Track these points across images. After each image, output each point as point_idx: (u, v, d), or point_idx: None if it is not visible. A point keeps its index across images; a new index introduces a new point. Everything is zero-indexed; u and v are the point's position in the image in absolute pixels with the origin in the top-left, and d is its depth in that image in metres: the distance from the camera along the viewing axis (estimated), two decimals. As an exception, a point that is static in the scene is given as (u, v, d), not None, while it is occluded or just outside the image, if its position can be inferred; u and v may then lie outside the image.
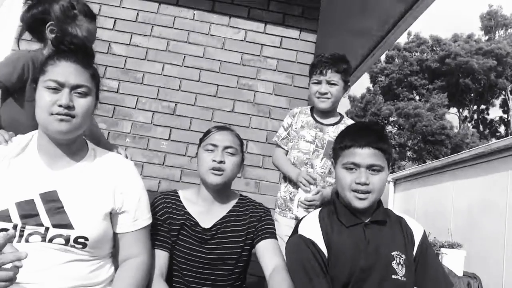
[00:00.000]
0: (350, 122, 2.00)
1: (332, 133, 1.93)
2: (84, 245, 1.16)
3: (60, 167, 1.21)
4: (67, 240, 1.13)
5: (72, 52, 1.21)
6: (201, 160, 1.52)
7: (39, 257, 1.11)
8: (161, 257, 1.40)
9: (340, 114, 2.03)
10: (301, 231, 1.38)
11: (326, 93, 1.90)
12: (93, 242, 1.18)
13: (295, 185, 1.90)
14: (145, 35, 2.91)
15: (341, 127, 1.95)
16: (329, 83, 1.90)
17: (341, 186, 1.38)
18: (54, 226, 1.13)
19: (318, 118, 1.98)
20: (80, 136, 1.26)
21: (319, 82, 1.92)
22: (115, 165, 1.30)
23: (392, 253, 1.32)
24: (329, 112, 1.98)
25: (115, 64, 2.84)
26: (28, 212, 1.12)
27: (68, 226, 1.14)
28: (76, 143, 1.25)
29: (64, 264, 1.13)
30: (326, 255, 1.33)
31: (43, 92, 1.15)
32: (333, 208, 1.43)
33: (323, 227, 1.37)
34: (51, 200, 1.15)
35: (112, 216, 1.25)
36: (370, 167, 1.34)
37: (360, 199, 1.33)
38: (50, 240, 1.12)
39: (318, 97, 1.93)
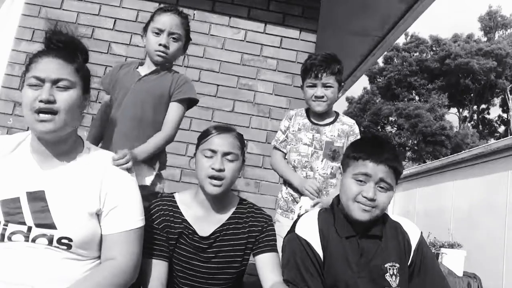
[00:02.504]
0: (346, 119, 2.00)
1: (329, 133, 1.93)
2: (69, 246, 1.13)
3: (51, 166, 1.19)
4: (50, 241, 1.11)
5: (60, 49, 1.19)
6: (199, 164, 1.42)
7: (25, 256, 1.09)
8: (160, 267, 1.36)
9: (335, 112, 2.02)
10: (298, 230, 1.37)
11: (322, 97, 1.89)
12: (79, 243, 1.14)
13: (296, 189, 1.90)
14: (145, 35, 2.90)
15: (337, 125, 1.95)
16: (324, 86, 1.89)
17: (346, 195, 1.34)
18: (37, 225, 1.11)
19: (314, 120, 1.98)
20: (73, 134, 1.23)
21: (314, 86, 1.90)
22: (107, 165, 1.25)
23: (386, 265, 1.31)
24: (325, 113, 1.97)
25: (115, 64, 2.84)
26: (12, 210, 1.12)
27: (51, 226, 1.12)
28: (67, 142, 1.21)
29: (55, 265, 1.11)
30: (322, 257, 1.32)
31: (26, 89, 1.14)
32: (331, 213, 1.41)
33: (321, 229, 1.35)
34: (37, 199, 1.13)
35: (99, 217, 1.21)
36: (379, 182, 1.30)
37: (364, 210, 1.30)
38: (33, 240, 1.11)
39: (314, 100, 1.91)
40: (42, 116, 1.11)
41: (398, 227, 1.41)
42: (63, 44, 1.21)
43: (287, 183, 1.97)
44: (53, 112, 1.12)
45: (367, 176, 1.30)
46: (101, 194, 1.20)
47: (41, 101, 1.11)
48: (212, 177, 1.37)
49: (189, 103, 1.82)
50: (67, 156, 1.21)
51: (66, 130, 1.18)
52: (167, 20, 1.73)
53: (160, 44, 1.72)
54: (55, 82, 1.14)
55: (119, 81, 1.76)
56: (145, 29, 1.81)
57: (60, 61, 1.16)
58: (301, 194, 1.86)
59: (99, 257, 1.22)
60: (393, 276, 1.31)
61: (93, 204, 1.18)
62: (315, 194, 1.78)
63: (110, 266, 1.18)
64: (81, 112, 1.23)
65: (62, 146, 1.20)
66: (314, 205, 1.77)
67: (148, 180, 1.73)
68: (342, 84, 1.98)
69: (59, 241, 1.12)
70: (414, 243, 1.38)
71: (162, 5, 1.84)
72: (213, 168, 1.37)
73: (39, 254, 1.10)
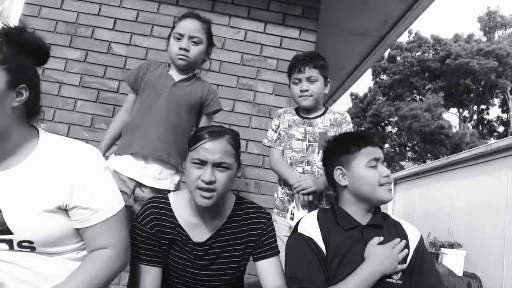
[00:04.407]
0: (337, 109, 2.02)
1: (321, 124, 1.95)
2: (32, 248, 1.08)
3: (3, 168, 1.11)
4: (10, 245, 1.07)
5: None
6: (188, 173, 1.30)
7: None
8: (153, 273, 1.31)
9: (325, 106, 2.04)
10: (300, 229, 1.40)
11: (307, 90, 1.92)
12: (42, 243, 1.08)
13: (291, 187, 1.91)
14: (145, 35, 2.90)
15: (328, 116, 1.97)
16: (308, 80, 1.93)
17: (369, 185, 1.38)
18: None
19: (303, 115, 2.00)
20: (15, 129, 1.11)
21: (299, 81, 1.94)
22: (66, 156, 1.14)
23: None
24: (314, 108, 1.99)
25: (115, 64, 2.84)
26: None
27: (6, 231, 1.06)
28: (9, 139, 1.11)
29: (25, 263, 1.08)
30: (325, 252, 1.34)
31: None
32: (331, 211, 1.46)
33: (322, 226, 1.39)
34: None
35: (66, 211, 1.13)
36: (382, 161, 1.43)
37: (389, 190, 1.39)
38: None
39: (300, 96, 1.94)
40: None
41: (398, 225, 1.45)
42: (6, 37, 1.11)
43: (283, 182, 1.98)
44: None
45: (377, 160, 1.41)
46: (64, 187, 1.11)
47: None
48: (201, 189, 1.26)
49: (215, 112, 1.96)
50: (18, 154, 1.12)
51: None
52: (187, 25, 1.80)
53: (180, 48, 1.78)
54: None
55: (151, 82, 1.79)
56: (168, 37, 1.88)
57: None
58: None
59: (80, 248, 1.18)
60: None
61: (52, 200, 1.10)
62: (304, 187, 1.81)
63: (101, 257, 1.14)
64: (10, 107, 1.08)
65: (5, 145, 1.10)
66: (309, 194, 1.81)
67: (173, 185, 1.76)
68: (328, 80, 2.00)
69: (19, 245, 1.07)
70: (413, 244, 1.40)
71: (185, 12, 1.92)
72: (202, 180, 1.25)
73: (4, 257, 1.07)
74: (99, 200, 1.15)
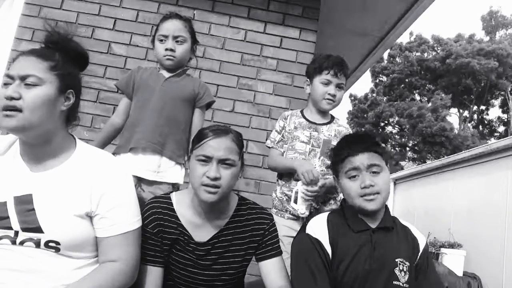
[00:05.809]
0: (342, 122, 2.03)
1: (327, 132, 1.95)
2: (57, 249, 1.12)
3: (41, 169, 1.16)
4: (37, 244, 1.10)
5: (46, 48, 1.17)
6: (192, 171, 1.30)
7: (13, 257, 1.09)
8: (155, 273, 1.32)
9: (331, 115, 2.04)
10: (308, 230, 1.40)
11: (334, 96, 1.91)
12: (67, 246, 1.12)
13: (290, 188, 1.89)
14: (145, 35, 2.91)
15: (334, 126, 1.97)
16: (337, 86, 1.92)
17: (349, 196, 1.40)
18: (24, 230, 1.10)
19: (310, 119, 1.99)
20: (57, 134, 1.17)
21: (329, 83, 1.91)
22: (99, 166, 1.20)
23: (396, 260, 1.35)
24: (322, 114, 1.99)
25: (115, 64, 2.84)
26: None
27: (38, 229, 1.10)
28: (51, 142, 1.16)
29: (44, 263, 1.11)
30: (331, 255, 1.34)
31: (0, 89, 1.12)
32: (342, 212, 1.45)
33: (330, 229, 1.39)
34: (24, 203, 1.11)
35: (91, 218, 1.17)
36: (370, 168, 1.37)
37: (370, 200, 1.35)
38: (21, 243, 1.10)
39: (326, 98, 1.91)
40: (6, 112, 1.07)
41: (408, 230, 1.47)
42: (55, 45, 1.18)
43: (282, 181, 1.97)
44: (17, 109, 1.07)
45: (356, 169, 1.37)
46: (94, 195, 1.16)
47: (6, 97, 1.07)
48: (206, 185, 1.27)
49: (208, 105, 1.96)
50: (57, 157, 1.18)
51: (36, 129, 1.11)
52: (170, 26, 1.84)
53: (166, 49, 1.81)
54: (23, 78, 1.09)
55: (143, 82, 1.83)
56: (152, 41, 1.90)
57: (33, 58, 1.12)
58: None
59: (94, 257, 1.21)
60: (402, 272, 1.34)
61: (83, 206, 1.15)
62: (310, 181, 1.76)
63: (111, 269, 1.17)
64: (59, 111, 1.15)
65: (47, 147, 1.16)
66: (321, 186, 1.77)
67: (181, 178, 1.78)
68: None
69: (46, 244, 1.11)
70: (421, 248, 1.43)
71: (165, 14, 1.95)
72: (207, 177, 1.26)
73: (28, 254, 1.10)
74: (121, 213, 1.20)
